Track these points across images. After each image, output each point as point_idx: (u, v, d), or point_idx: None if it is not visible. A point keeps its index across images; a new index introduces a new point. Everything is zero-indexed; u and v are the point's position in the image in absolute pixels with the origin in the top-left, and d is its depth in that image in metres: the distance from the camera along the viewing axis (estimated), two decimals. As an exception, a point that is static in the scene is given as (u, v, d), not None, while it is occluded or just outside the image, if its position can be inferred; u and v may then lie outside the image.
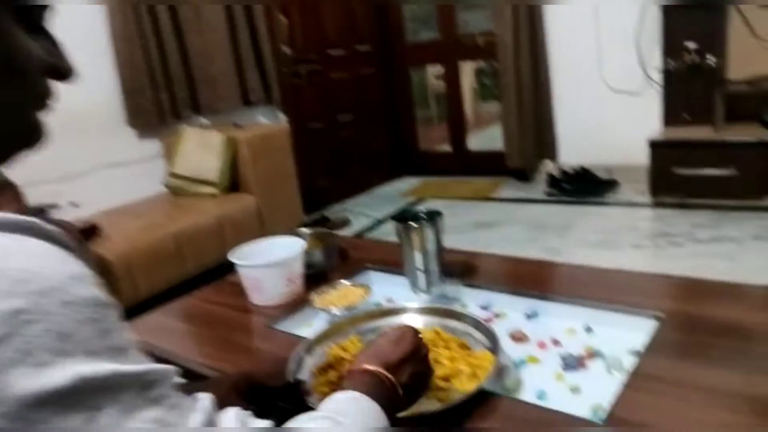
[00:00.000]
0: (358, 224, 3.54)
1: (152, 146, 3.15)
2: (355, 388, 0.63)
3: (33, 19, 0.49)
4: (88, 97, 2.89)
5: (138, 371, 0.41)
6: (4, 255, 0.38)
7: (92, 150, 2.92)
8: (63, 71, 0.51)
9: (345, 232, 3.39)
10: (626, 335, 1.01)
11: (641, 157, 3.10)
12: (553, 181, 3.53)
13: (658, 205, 3.10)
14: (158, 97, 3.04)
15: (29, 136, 0.49)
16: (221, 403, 0.72)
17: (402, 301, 1.23)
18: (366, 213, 3.76)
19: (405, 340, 0.75)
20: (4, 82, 0.45)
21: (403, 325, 0.81)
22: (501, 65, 3.63)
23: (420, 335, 0.80)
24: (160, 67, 3.04)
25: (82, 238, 2.10)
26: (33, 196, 2.67)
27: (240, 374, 0.80)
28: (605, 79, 3.51)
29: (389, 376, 0.68)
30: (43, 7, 0.50)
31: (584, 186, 3.45)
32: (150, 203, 2.91)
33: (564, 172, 3.54)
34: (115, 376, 0.39)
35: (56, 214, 2.47)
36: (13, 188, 1.67)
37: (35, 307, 0.36)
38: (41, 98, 0.49)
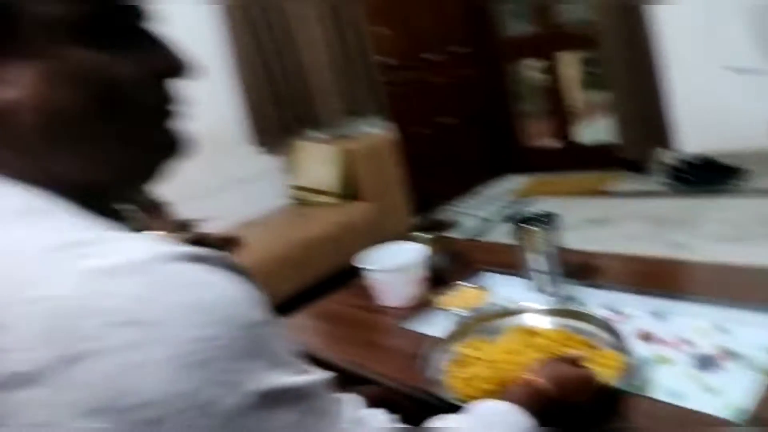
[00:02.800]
0: (464, 225, 3.58)
1: (270, 162, 3.36)
2: (514, 401, 0.68)
3: (121, 27, 0.44)
4: (211, 119, 3.14)
5: (309, 382, 0.45)
6: (202, 286, 0.40)
7: (218, 168, 3.18)
8: (175, 68, 0.47)
9: (452, 234, 3.45)
10: (761, 333, 0.99)
11: (770, 140, 2.87)
12: (673, 172, 3.34)
13: (794, 192, 2.86)
14: (280, 115, 3.25)
15: (167, 147, 0.48)
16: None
17: (522, 302, 1.27)
18: (472, 214, 3.79)
19: (584, 390, 0.78)
20: (119, 114, 0.44)
21: (592, 373, 0.81)
22: (604, 54, 3.52)
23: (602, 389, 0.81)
24: (284, 85, 3.23)
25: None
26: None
27: (379, 390, 0.88)
28: (721, 59, 3.27)
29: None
30: (131, 7, 0.45)
31: (708, 175, 3.22)
32: (276, 214, 3.15)
33: (684, 161, 3.34)
34: (298, 388, 0.44)
35: (197, 229, 2.73)
36: (162, 206, 1.88)
37: (226, 332, 0.39)
38: (163, 108, 0.47)
